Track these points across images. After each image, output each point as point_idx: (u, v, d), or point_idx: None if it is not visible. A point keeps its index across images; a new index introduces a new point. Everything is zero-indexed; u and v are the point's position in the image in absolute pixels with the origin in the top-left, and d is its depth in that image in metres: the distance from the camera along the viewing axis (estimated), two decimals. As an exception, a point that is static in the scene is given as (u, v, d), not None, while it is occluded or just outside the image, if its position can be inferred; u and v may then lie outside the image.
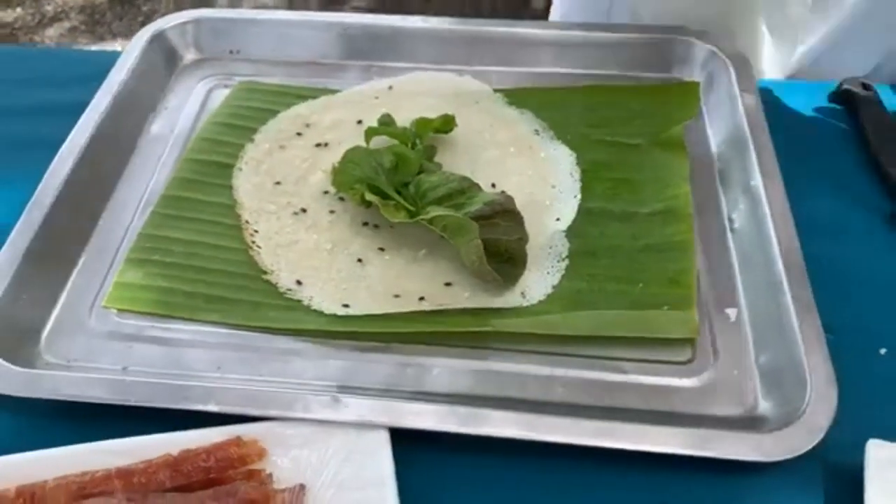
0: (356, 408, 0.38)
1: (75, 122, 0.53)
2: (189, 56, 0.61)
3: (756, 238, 0.47)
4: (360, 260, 0.47)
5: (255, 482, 0.36)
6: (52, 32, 2.22)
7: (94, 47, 2.14)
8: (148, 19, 2.27)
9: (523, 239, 0.45)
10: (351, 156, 0.48)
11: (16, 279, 0.43)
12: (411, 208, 0.46)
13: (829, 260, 0.47)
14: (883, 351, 0.44)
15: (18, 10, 2.29)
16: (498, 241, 0.44)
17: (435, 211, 0.45)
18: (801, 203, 0.47)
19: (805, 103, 0.58)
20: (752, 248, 0.47)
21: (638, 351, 0.43)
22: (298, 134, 0.55)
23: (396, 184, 0.48)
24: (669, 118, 0.53)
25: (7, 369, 0.40)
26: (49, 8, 2.30)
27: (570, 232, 0.48)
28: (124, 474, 0.36)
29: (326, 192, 0.51)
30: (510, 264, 0.45)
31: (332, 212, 0.50)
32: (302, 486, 0.36)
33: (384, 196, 0.47)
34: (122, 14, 2.29)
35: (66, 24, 2.24)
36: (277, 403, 0.38)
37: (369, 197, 0.46)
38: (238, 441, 0.37)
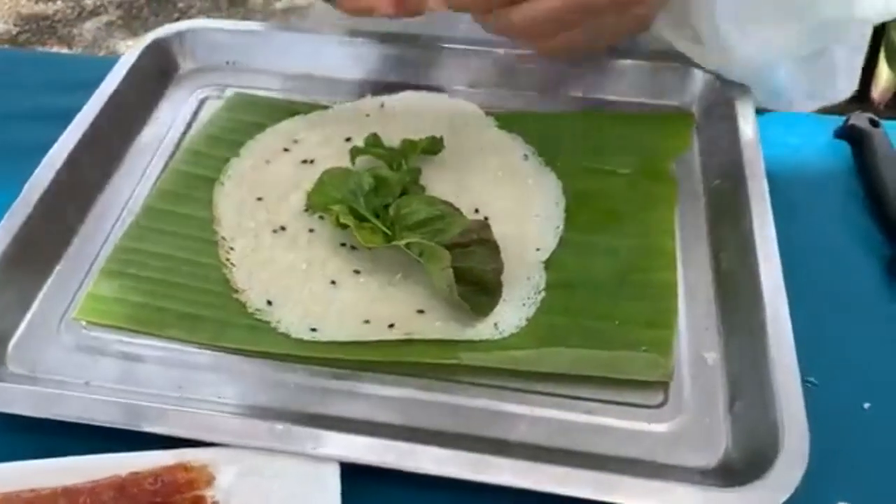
0: (309, 439, 0.37)
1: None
2: (186, 65, 0.61)
3: (741, 281, 0.45)
4: (333, 282, 0.46)
5: (200, 508, 0.36)
6: (89, 26, 2.27)
7: (129, 41, 2.18)
8: (183, 16, 2.31)
9: (498, 269, 0.44)
10: (328, 177, 0.48)
11: (-11, 286, 0.44)
12: (388, 232, 0.46)
13: (821, 305, 0.45)
14: (867, 405, 0.42)
15: (59, 3, 2.35)
16: (471, 269, 0.43)
17: (410, 236, 0.44)
18: (794, 243, 0.45)
19: (808, 137, 0.56)
20: (737, 290, 0.45)
21: (608, 392, 0.42)
22: (286, 150, 0.54)
23: (376, 206, 0.47)
24: (661, 149, 0.52)
25: (-35, 380, 0.40)
26: (88, 2, 2.35)
27: (550, 263, 0.47)
28: (71, 493, 0.36)
29: (307, 210, 0.50)
30: (484, 294, 0.44)
31: (311, 230, 0.49)
32: (249, 514, 0.36)
33: (361, 219, 0.46)
34: (159, 10, 2.34)
35: (104, 18, 2.29)
36: (230, 430, 0.38)
37: (344, 219, 0.46)
38: (186, 465, 0.37)
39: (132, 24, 2.29)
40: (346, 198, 0.47)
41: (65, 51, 2.17)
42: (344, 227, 0.47)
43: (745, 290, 0.44)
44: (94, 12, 2.32)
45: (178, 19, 2.34)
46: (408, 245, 0.44)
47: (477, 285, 0.44)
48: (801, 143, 0.55)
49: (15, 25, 2.26)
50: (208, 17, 0.62)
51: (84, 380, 0.42)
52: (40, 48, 2.13)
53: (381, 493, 0.37)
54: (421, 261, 0.44)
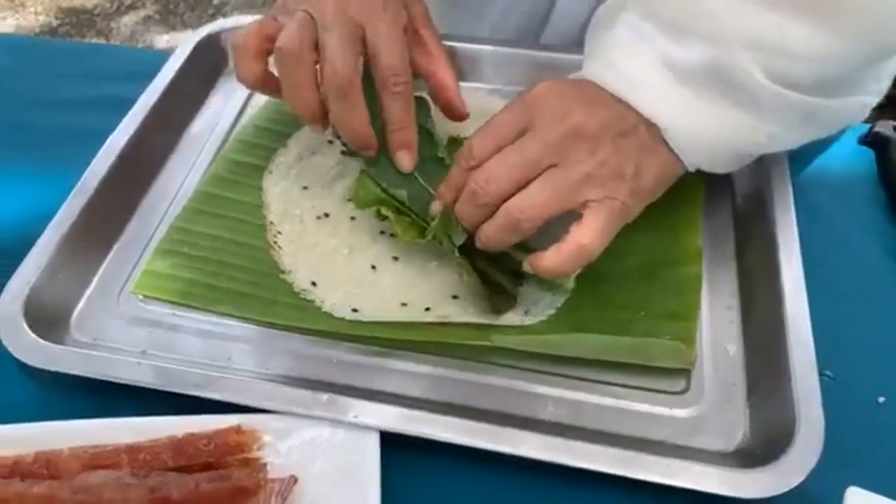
0: (351, 408, 0.40)
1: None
2: (237, 59, 0.64)
3: (764, 278, 0.47)
4: (373, 267, 0.49)
5: (249, 470, 0.38)
6: (127, 20, 2.32)
7: (164, 36, 2.23)
8: (218, 11, 2.36)
9: (518, 275, 0.47)
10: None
11: (54, 259, 0.47)
12: (425, 226, 0.48)
13: (840, 304, 0.47)
14: (881, 399, 0.44)
15: (98, -3, 2.40)
16: (488, 272, 0.46)
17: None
18: (816, 244, 0.47)
19: (833, 143, 0.57)
20: (759, 287, 0.47)
21: (632, 377, 0.44)
22: (330, 141, 0.57)
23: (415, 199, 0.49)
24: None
25: (37, 343, 0.43)
26: (127, -4, 2.40)
27: (580, 255, 0.49)
28: (132, 451, 0.39)
29: (350, 200, 0.53)
30: (500, 294, 0.46)
31: (352, 218, 0.52)
32: (293, 478, 0.39)
33: (401, 212, 0.49)
34: (195, 5, 2.38)
35: (142, 13, 2.34)
36: (277, 398, 0.41)
37: (385, 212, 0.48)
38: (238, 429, 0.40)
39: (169, 18, 2.34)
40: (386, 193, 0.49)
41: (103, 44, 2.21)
42: (384, 218, 0.49)
43: (767, 286, 0.46)
44: (132, 7, 2.37)
45: (213, 15, 2.38)
46: (441, 241, 0.47)
47: (496, 285, 0.46)
48: (826, 148, 0.57)
49: (55, 18, 2.32)
50: (244, 13, 0.64)
51: (141, 349, 0.45)
52: (79, 41, 2.18)
53: (418, 464, 0.40)
54: (456, 253, 0.47)
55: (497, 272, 0.46)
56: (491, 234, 0.43)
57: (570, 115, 0.42)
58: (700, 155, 0.45)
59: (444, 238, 0.46)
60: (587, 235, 0.42)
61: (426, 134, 0.49)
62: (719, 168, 0.46)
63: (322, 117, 0.47)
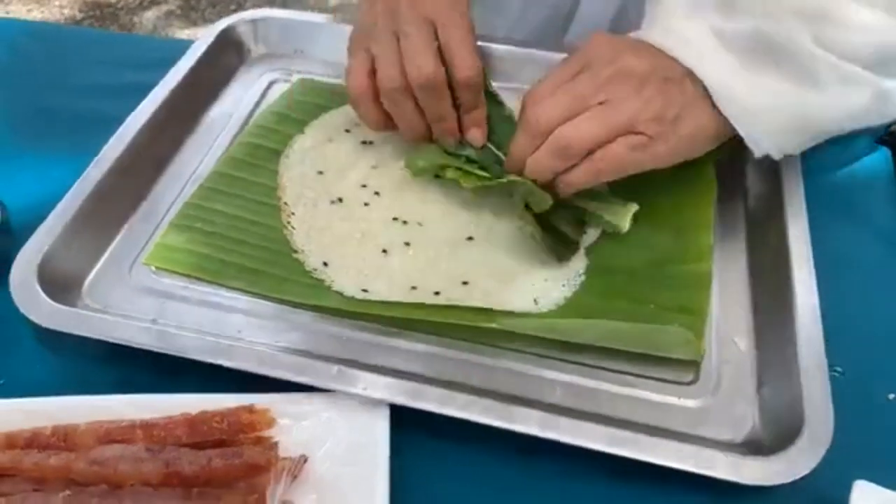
0: (361, 381, 0.40)
1: (147, 100, 0.57)
2: (257, 50, 0.65)
3: (775, 274, 0.47)
4: (385, 251, 0.49)
5: (261, 448, 0.39)
6: (149, 15, 2.34)
7: (185, 31, 2.25)
8: (240, 7, 2.37)
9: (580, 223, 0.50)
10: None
11: (68, 229, 0.48)
12: (488, 176, 0.50)
13: (852, 301, 0.47)
14: (892, 396, 0.44)
15: (122, -10, 2.43)
16: (555, 219, 0.48)
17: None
18: (829, 242, 0.47)
19: (849, 142, 0.57)
20: (770, 283, 0.47)
21: (641, 367, 0.44)
22: (347, 130, 0.58)
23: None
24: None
25: (52, 306, 0.44)
26: (150, -9, 2.43)
27: (591, 249, 0.49)
28: (146, 426, 0.39)
29: (364, 186, 0.53)
30: (562, 245, 0.48)
31: (366, 204, 0.52)
32: (303, 457, 0.39)
33: (464, 171, 0.50)
34: (216, 1, 2.40)
35: (164, 8, 2.37)
36: (287, 368, 0.41)
37: (451, 175, 0.50)
38: (250, 408, 0.40)
39: (190, 14, 2.36)
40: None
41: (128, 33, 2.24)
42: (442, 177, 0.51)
43: (777, 282, 0.46)
44: (155, 2, 2.40)
45: (234, 11, 2.40)
46: (510, 182, 0.48)
47: (558, 234, 0.48)
48: (843, 148, 0.57)
49: (80, 11, 2.35)
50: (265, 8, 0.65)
51: (152, 317, 0.46)
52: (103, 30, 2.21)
53: (427, 444, 0.40)
54: (521, 193, 0.48)
55: (559, 220, 0.48)
56: (539, 159, 0.46)
57: (619, 58, 0.45)
58: (753, 126, 0.45)
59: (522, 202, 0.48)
60: (608, 157, 0.45)
61: (491, 98, 0.53)
62: (790, 147, 0.47)
63: (429, 135, 0.52)
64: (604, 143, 0.44)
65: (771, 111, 0.45)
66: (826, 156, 0.56)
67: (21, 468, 0.38)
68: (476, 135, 0.51)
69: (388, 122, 0.52)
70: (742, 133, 0.45)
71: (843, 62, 0.42)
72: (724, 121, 0.45)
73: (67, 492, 0.37)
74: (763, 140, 0.46)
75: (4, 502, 0.37)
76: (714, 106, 0.45)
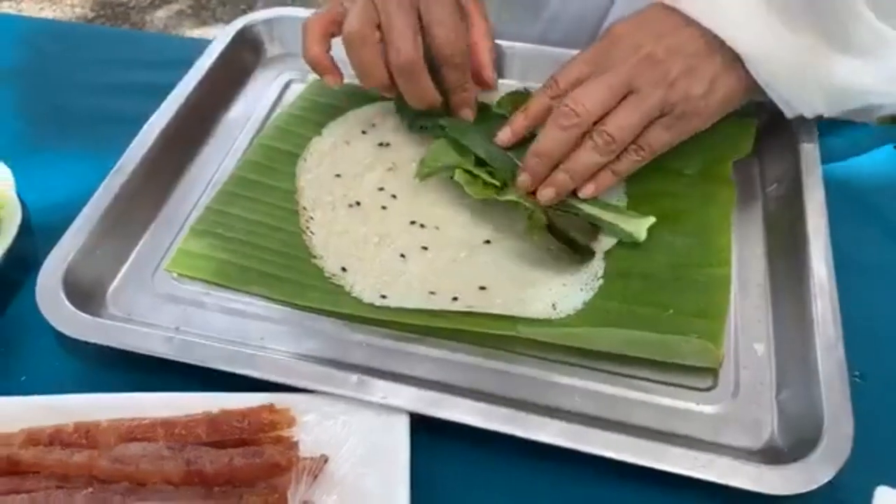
0: (380, 390, 0.41)
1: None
2: (273, 50, 0.65)
3: (794, 279, 0.47)
4: (402, 255, 0.49)
5: (282, 447, 0.39)
6: (160, 14, 2.35)
7: (196, 31, 2.26)
8: (250, 7, 2.38)
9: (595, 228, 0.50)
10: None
11: (92, 236, 0.48)
12: (497, 185, 0.50)
13: (872, 306, 0.47)
14: (912, 402, 0.44)
15: (134, -10, 2.44)
16: (565, 231, 0.48)
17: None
18: (848, 247, 0.47)
19: (868, 148, 0.57)
20: (790, 288, 0.47)
21: (659, 373, 0.44)
22: (363, 132, 0.58)
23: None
24: (722, 153, 0.54)
25: (75, 315, 0.44)
26: (161, -10, 2.44)
27: (609, 254, 0.49)
28: (167, 425, 0.40)
29: (382, 189, 0.53)
30: (576, 252, 0.48)
31: (384, 207, 0.52)
32: (324, 457, 0.39)
33: (474, 176, 0.51)
34: (227, 1, 2.41)
35: (175, 7, 2.37)
36: (308, 376, 0.41)
37: (457, 177, 0.50)
38: (271, 408, 0.40)
39: (201, 13, 2.37)
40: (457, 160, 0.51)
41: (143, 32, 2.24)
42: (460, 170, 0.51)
43: (796, 287, 0.46)
44: (166, 0, 2.41)
45: (244, 11, 2.41)
46: (510, 202, 0.49)
47: (571, 241, 0.48)
48: (861, 151, 0.57)
49: (91, 10, 2.36)
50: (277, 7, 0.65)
51: (175, 325, 0.46)
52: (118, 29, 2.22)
53: (447, 448, 0.41)
54: (527, 205, 0.48)
55: (572, 228, 0.48)
56: (581, 157, 0.47)
57: (641, 48, 0.47)
58: (784, 89, 0.47)
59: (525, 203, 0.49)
60: (649, 141, 0.47)
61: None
62: (823, 108, 0.48)
63: (392, 86, 0.52)
64: (642, 132, 0.47)
65: (798, 69, 0.46)
66: (846, 162, 0.56)
67: (44, 465, 0.38)
68: (467, 114, 0.54)
69: (323, 62, 0.53)
70: (773, 97, 0.47)
71: (884, 25, 0.43)
72: (755, 83, 0.47)
73: (90, 489, 0.37)
74: (794, 101, 0.48)
75: (28, 499, 0.37)
76: (745, 69, 0.46)
